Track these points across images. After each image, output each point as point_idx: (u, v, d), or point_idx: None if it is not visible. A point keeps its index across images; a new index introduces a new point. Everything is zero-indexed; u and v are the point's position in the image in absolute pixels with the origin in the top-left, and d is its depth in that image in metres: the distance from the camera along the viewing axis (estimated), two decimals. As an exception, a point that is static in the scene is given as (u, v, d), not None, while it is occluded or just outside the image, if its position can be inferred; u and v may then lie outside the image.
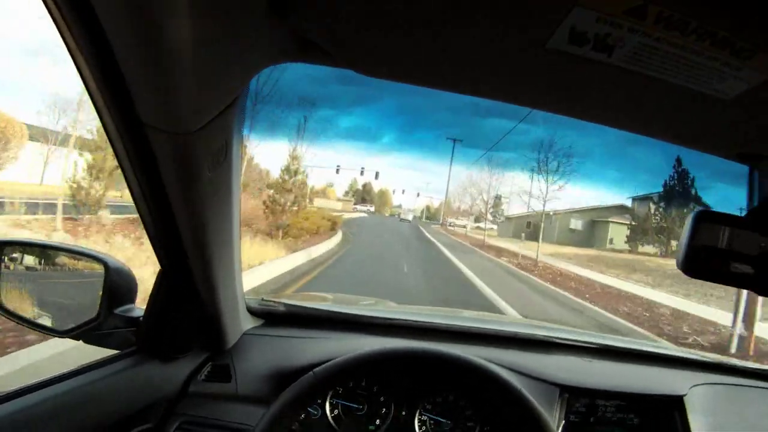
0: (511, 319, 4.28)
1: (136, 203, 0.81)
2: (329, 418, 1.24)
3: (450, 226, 38.88)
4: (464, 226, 40.09)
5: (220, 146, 0.73)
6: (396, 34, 0.58)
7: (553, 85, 0.65)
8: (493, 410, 1.23)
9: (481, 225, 34.44)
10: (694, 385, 1.43)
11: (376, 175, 37.89)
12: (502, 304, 8.57)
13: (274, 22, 0.58)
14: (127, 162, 0.72)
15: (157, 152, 0.67)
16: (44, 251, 1.18)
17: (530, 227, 28.77)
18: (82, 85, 0.61)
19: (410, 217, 42.80)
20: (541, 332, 1.62)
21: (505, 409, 0.99)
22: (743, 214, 0.75)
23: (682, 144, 0.82)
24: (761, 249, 0.69)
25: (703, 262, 0.69)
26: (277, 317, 1.44)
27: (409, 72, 0.68)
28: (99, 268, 1.06)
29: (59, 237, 8.63)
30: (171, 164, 0.69)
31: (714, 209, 0.71)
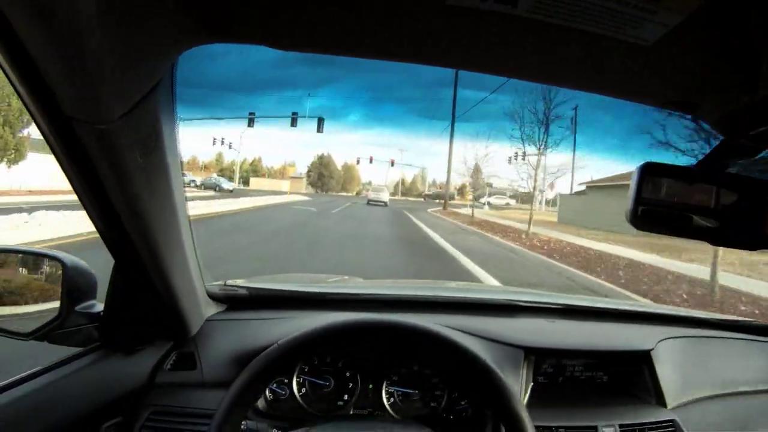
0: (481, 287, 4.21)
1: (78, 198, 0.81)
2: (297, 396, 1.26)
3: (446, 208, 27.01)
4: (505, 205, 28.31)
5: (149, 132, 0.73)
6: (303, 5, 0.57)
7: (464, 43, 0.63)
8: (456, 377, 1.23)
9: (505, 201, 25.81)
10: (661, 340, 1.45)
11: (319, 125, 24.54)
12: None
13: (181, 6, 0.58)
14: (62, 157, 0.71)
15: (86, 144, 0.67)
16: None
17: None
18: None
19: (385, 198, 29.35)
20: (506, 296, 1.63)
21: (465, 374, 0.99)
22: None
23: (611, 95, 0.79)
24: (710, 199, 0.68)
25: (652, 216, 0.68)
26: (241, 301, 1.43)
27: (318, 41, 0.67)
28: (57, 267, 1.05)
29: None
30: (100, 155, 0.69)
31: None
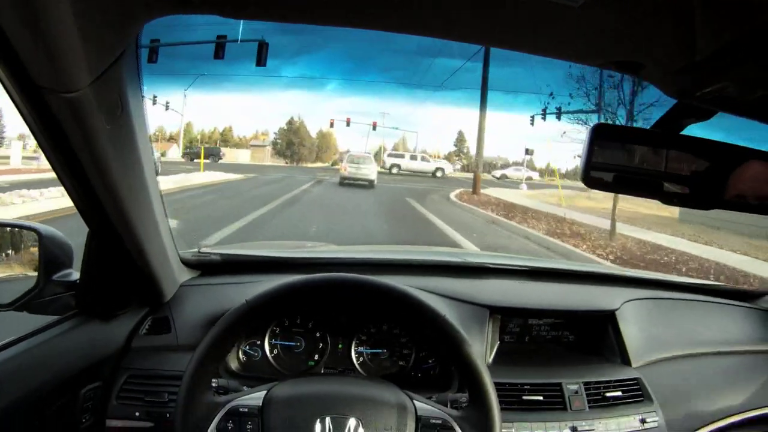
0: (456, 251, 4.20)
1: (52, 167, 0.83)
2: (269, 358, 1.31)
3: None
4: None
5: (114, 100, 0.75)
6: None
7: (405, 6, 0.66)
8: (423, 334, 1.28)
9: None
10: (627, 301, 1.48)
11: (260, 54, 12.84)
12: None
13: None
14: (35, 127, 0.73)
15: (56, 113, 0.70)
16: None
17: None
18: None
19: (371, 173, 17.37)
20: (477, 260, 1.68)
21: (419, 324, 1.01)
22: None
23: (551, 56, 0.79)
24: (663, 160, 0.70)
25: (604, 176, 0.70)
26: (214, 267, 1.46)
27: (275, 8, 0.70)
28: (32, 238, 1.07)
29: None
30: (70, 123, 0.72)
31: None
